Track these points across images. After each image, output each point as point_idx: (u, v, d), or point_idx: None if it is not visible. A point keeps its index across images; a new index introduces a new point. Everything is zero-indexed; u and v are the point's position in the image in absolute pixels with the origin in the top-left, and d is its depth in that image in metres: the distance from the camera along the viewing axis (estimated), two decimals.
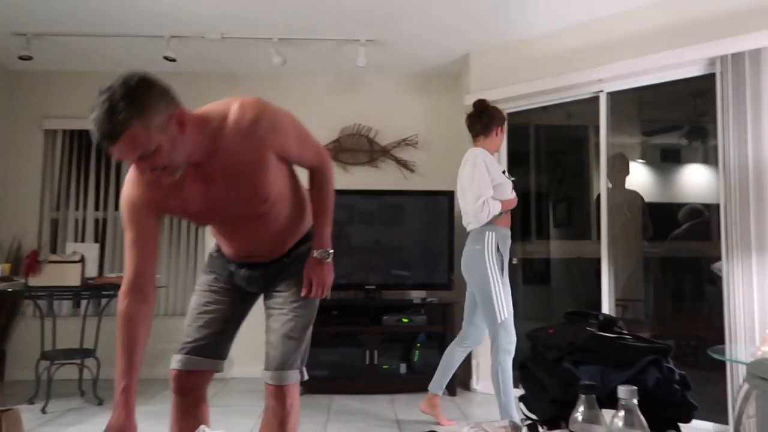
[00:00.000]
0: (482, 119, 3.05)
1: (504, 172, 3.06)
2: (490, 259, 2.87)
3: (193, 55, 4.32)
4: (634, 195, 4.13)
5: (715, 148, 3.15)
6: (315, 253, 1.74)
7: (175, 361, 1.77)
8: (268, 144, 1.53)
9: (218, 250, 1.88)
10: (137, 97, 1.28)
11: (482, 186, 2.87)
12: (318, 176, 1.77)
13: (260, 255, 1.76)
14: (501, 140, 3.14)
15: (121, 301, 1.54)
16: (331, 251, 1.75)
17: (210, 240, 4.63)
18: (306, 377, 1.80)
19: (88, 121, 1.28)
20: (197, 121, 1.45)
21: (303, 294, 1.74)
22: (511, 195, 3.02)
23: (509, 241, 3.01)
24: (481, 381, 4.04)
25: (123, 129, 1.26)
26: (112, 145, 1.29)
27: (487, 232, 2.91)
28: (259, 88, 4.74)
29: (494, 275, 2.85)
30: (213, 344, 1.78)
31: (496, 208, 2.88)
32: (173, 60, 3.95)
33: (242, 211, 1.60)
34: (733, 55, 3.02)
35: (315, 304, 1.83)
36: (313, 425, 3.23)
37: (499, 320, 2.81)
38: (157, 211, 1.56)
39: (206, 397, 1.85)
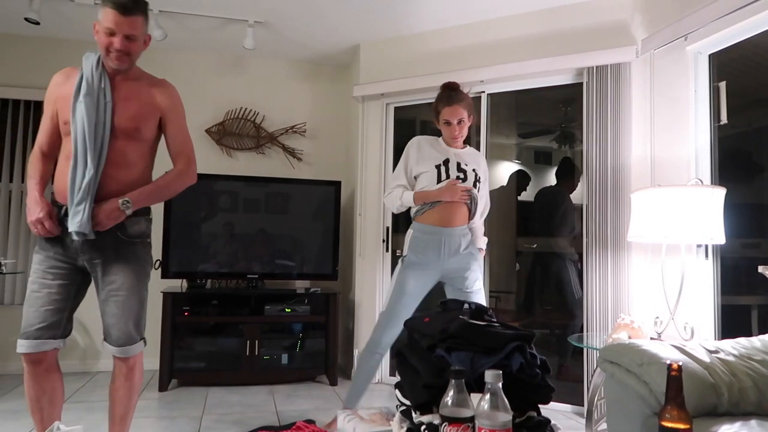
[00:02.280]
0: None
1: (444, 163, 2.66)
2: (403, 253, 2.70)
3: (59, 20, 3.94)
4: (557, 192, 4.37)
5: (581, 152, 3.42)
6: (120, 199, 1.98)
7: (21, 347, 1.97)
8: (163, 103, 2.14)
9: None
10: (147, 6, 2.02)
11: (394, 175, 2.77)
12: (177, 166, 2.20)
13: (107, 196, 1.99)
14: (444, 130, 2.74)
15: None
16: (131, 205, 2.00)
17: None
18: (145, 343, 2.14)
19: None
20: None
21: None
22: (429, 186, 2.65)
23: (435, 237, 2.63)
24: None
25: (137, 11, 1.95)
26: (123, 15, 1.92)
27: (409, 229, 2.74)
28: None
29: (397, 270, 2.70)
30: (54, 325, 2.01)
31: (406, 199, 2.66)
32: (36, 23, 3.57)
33: (120, 124, 2.02)
34: (597, 67, 3.30)
35: (146, 282, 2.14)
36: (186, 419, 3.10)
37: (381, 310, 2.77)
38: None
39: (56, 363, 2.08)
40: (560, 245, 4.29)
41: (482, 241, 2.85)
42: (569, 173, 4.35)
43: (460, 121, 2.68)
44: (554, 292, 4.36)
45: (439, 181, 2.64)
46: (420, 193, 2.64)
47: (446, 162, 2.67)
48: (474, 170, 2.72)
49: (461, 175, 2.66)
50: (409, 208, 2.75)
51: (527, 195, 4.74)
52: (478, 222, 2.82)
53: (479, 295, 2.72)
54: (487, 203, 2.87)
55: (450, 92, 2.70)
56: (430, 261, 2.64)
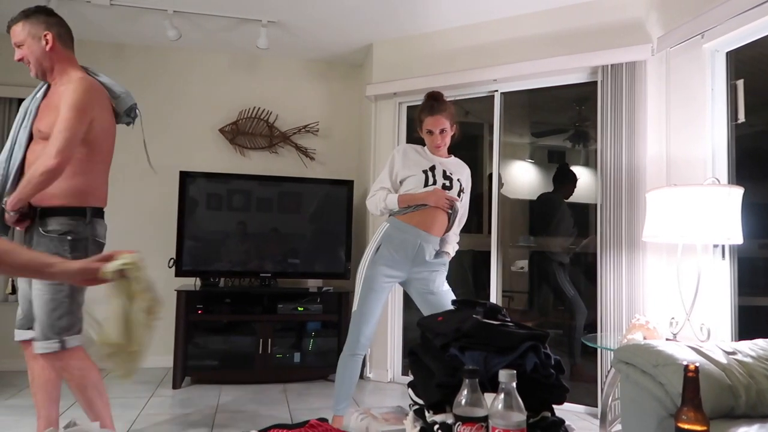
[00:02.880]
0: None
1: (431, 169, 2.68)
2: (370, 248, 2.68)
3: (76, 21, 3.97)
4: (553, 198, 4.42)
5: (595, 151, 3.39)
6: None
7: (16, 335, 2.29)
8: (61, 100, 2.15)
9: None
10: (31, 11, 2.22)
11: (378, 179, 2.81)
12: (43, 157, 2.09)
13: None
14: (427, 139, 2.77)
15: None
16: (5, 204, 2.08)
17: None
18: (67, 346, 2.15)
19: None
20: (66, 56, 2.27)
21: None
22: (416, 189, 2.66)
23: (411, 238, 2.62)
24: (373, 369, 4.11)
25: (14, 21, 2.21)
26: (8, 31, 2.23)
27: (384, 222, 2.75)
28: (150, 62, 4.46)
29: (364, 265, 2.66)
30: (30, 316, 2.20)
31: (390, 202, 2.68)
32: None
33: (38, 129, 2.17)
34: (612, 65, 3.27)
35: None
36: (200, 416, 3.12)
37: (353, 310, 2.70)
38: None
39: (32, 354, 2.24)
40: (551, 247, 4.32)
41: (452, 247, 2.83)
42: (566, 179, 4.39)
43: (442, 131, 2.71)
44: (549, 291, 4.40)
45: (426, 184, 2.65)
46: (405, 196, 2.65)
47: (432, 168, 2.69)
48: (459, 180, 2.74)
49: (447, 183, 2.69)
50: None
51: (532, 194, 4.76)
52: (455, 229, 2.82)
53: (448, 296, 2.70)
54: (464, 214, 2.88)
55: (433, 102, 2.73)
56: (400, 260, 2.63)
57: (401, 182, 2.72)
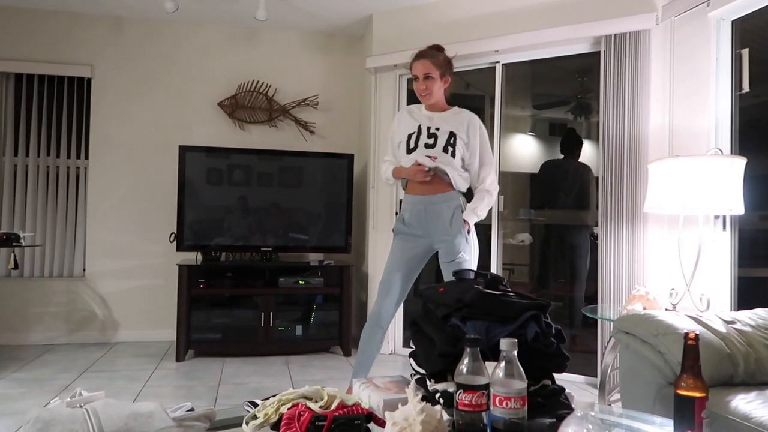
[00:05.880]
0: None
1: (418, 130, 2.62)
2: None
3: None
4: (584, 167, 4.33)
5: (597, 123, 3.37)
6: None
7: None
8: None
9: None
10: None
11: (386, 148, 2.81)
12: None
13: None
14: (415, 87, 2.69)
15: None
16: None
17: (91, 197, 4.31)
18: None
19: None
20: None
21: None
22: (402, 155, 2.65)
23: (417, 206, 2.61)
24: None
25: None
26: None
27: None
28: (147, 35, 4.40)
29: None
30: None
31: (388, 175, 2.73)
32: None
33: None
34: (616, 35, 3.22)
35: None
36: (204, 388, 3.16)
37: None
38: None
39: None
40: (575, 217, 4.27)
41: (471, 215, 2.59)
42: (575, 144, 4.33)
43: (427, 77, 2.60)
44: (569, 264, 4.37)
45: (408, 150, 2.62)
46: (396, 170, 2.70)
47: (419, 129, 2.62)
48: (451, 132, 2.58)
49: (430, 141, 2.59)
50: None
51: (534, 167, 4.72)
52: (463, 185, 2.63)
53: (464, 266, 2.56)
54: (482, 164, 2.65)
55: (424, 49, 2.66)
56: (415, 229, 2.62)
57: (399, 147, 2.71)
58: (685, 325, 1.77)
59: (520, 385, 1.11)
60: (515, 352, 1.13)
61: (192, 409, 1.29)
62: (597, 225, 3.32)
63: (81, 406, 1.15)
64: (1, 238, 3.28)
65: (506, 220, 4.02)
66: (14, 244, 3.35)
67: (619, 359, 2.03)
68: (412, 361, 1.47)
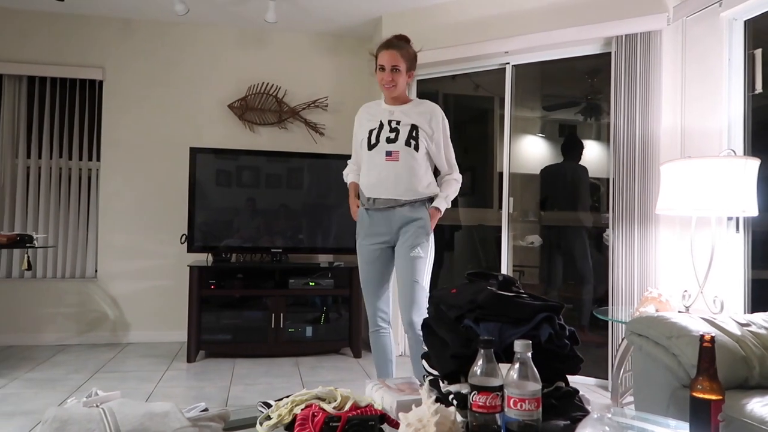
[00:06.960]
0: None
1: (379, 127, 2.58)
2: None
3: None
4: (581, 169, 4.32)
5: (608, 125, 3.35)
6: None
7: None
8: None
9: None
10: None
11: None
12: None
13: None
14: (378, 77, 2.62)
15: None
16: None
17: (103, 198, 4.35)
18: None
19: None
20: None
21: None
22: (362, 152, 2.65)
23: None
24: None
25: None
26: None
27: None
28: (157, 37, 4.43)
29: None
30: None
31: (346, 177, 2.83)
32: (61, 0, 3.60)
33: None
34: (627, 36, 3.21)
35: None
36: (215, 389, 3.17)
37: None
38: None
39: None
40: (586, 219, 4.26)
41: (441, 201, 2.57)
42: (575, 148, 4.32)
43: (394, 69, 2.54)
44: (579, 266, 4.35)
45: (369, 147, 2.59)
46: (352, 184, 2.79)
47: (380, 124, 2.58)
48: (413, 125, 2.54)
49: (392, 136, 2.54)
50: None
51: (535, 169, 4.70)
52: (435, 179, 2.64)
53: (411, 263, 2.50)
54: (444, 158, 2.63)
55: (392, 39, 2.61)
56: (367, 228, 2.67)
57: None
58: (699, 327, 1.76)
59: (535, 386, 1.11)
60: (529, 354, 1.13)
61: (206, 410, 1.29)
62: (608, 226, 3.31)
63: (97, 406, 1.15)
64: (14, 239, 3.31)
65: (516, 222, 4.01)
66: (28, 245, 3.38)
67: (632, 362, 2.02)
68: (424, 362, 1.47)
